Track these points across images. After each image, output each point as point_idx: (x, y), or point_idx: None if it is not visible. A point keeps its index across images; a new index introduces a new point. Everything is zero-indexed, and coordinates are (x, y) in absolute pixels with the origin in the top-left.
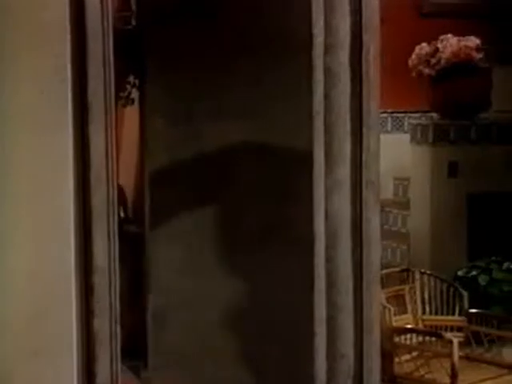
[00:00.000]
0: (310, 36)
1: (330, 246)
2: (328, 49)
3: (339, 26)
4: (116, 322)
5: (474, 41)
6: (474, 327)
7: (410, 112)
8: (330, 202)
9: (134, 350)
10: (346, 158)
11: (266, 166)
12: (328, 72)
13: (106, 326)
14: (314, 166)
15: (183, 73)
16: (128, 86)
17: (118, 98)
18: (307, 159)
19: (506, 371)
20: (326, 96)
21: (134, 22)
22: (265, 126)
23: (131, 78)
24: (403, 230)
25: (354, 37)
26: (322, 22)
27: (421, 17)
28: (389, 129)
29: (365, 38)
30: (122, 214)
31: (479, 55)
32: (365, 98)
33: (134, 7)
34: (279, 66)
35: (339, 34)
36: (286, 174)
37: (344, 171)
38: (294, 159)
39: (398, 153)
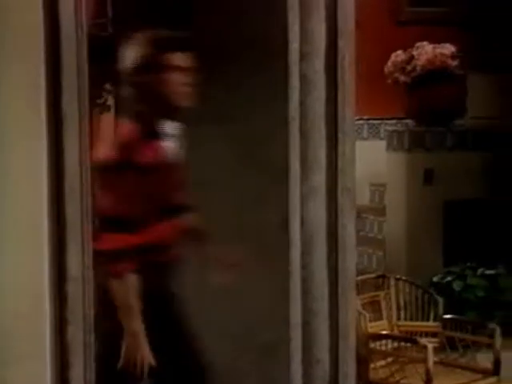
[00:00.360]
0: (286, 42)
1: (306, 252)
2: (304, 56)
3: (315, 32)
4: (90, 331)
5: (449, 48)
6: (449, 333)
7: (386, 119)
8: (305, 208)
9: None
10: (322, 164)
11: (241, 171)
12: (304, 79)
13: (80, 334)
14: (290, 172)
15: None
16: (104, 93)
17: (94, 105)
18: (283, 165)
19: (480, 376)
20: (302, 102)
21: (110, 29)
22: (240, 132)
23: (107, 85)
24: (379, 236)
25: (329, 43)
26: (297, 28)
27: (397, 24)
28: (365, 135)
29: (340, 43)
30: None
31: (454, 62)
32: (340, 103)
33: (110, 14)
34: (256, 72)
35: (315, 40)
36: (261, 180)
37: (320, 178)
38: (270, 165)
39: (374, 159)
